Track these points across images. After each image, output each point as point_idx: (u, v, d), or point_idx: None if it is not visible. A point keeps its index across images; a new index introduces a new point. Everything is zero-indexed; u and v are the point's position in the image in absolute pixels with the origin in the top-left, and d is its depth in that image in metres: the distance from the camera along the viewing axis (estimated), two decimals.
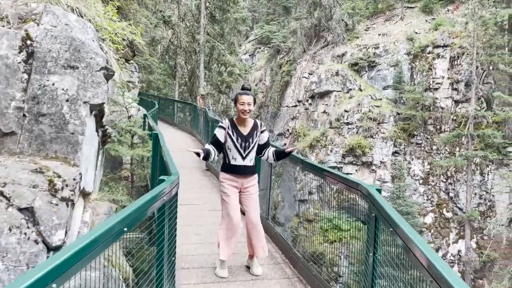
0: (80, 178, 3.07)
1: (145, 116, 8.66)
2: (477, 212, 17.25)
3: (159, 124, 16.86)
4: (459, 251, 17.60)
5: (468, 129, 17.74)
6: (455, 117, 19.60)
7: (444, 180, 19.27)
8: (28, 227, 2.60)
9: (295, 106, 24.77)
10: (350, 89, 22.31)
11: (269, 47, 30.29)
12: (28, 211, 2.64)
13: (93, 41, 3.54)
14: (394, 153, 20.42)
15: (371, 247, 2.34)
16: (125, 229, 1.89)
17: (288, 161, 4.47)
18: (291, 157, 4.29)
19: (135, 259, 3.04)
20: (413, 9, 24.81)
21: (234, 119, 3.74)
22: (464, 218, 17.32)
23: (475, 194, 17.91)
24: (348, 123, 21.39)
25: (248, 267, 3.87)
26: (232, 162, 3.64)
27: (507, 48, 18.67)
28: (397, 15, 24.85)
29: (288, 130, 24.81)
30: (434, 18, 22.93)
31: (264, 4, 35.65)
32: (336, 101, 22.52)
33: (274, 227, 4.82)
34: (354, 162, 20.46)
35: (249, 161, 3.66)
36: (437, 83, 20.45)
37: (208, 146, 3.65)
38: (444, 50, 20.73)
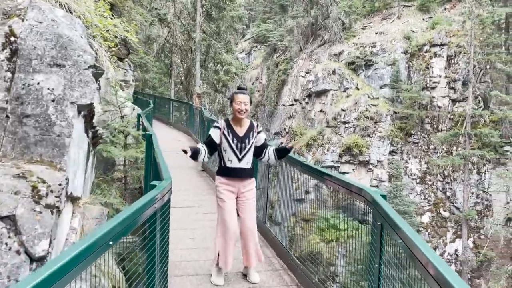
0: (67, 183, 2.90)
1: (139, 115, 8.47)
2: (474, 211, 17.22)
3: (154, 123, 16.67)
4: (456, 250, 17.58)
5: (465, 128, 17.70)
6: (452, 116, 19.56)
7: (441, 179, 19.23)
8: (9, 237, 2.43)
9: (292, 105, 24.64)
10: (347, 88, 22.21)
11: (265, 45, 30.12)
12: (10, 220, 2.47)
13: (82, 37, 3.36)
14: (391, 152, 20.36)
15: (376, 258, 2.19)
16: (111, 242, 1.73)
17: (287, 163, 4.32)
18: (291, 159, 4.14)
19: (127, 264, 2.88)
20: (410, 7, 24.74)
21: (229, 119, 3.60)
22: (461, 217, 17.29)
23: (472, 193, 17.88)
24: (345, 122, 21.29)
25: (244, 275, 3.72)
26: (228, 164, 3.48)
27: (504, 47, 18.63)
28: (394, 14, 24.77)
29: (284, 129, 24.68)
30: (431, 17, 22.87)
31: (260, 3, 35.46)
32: (333, 100, 22.42)
33: (271, 229, 4.67)
34: (351, 161, 20.37)
35: (246, 163, 3.50)
36: (434, 82, 20.40)
37: (200, 146, 3.50)
38: (441, 49, 20.68)
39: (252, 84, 29.82)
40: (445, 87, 20.17)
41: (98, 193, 5.37)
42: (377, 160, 20.12)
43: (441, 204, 18.93)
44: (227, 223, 3.44)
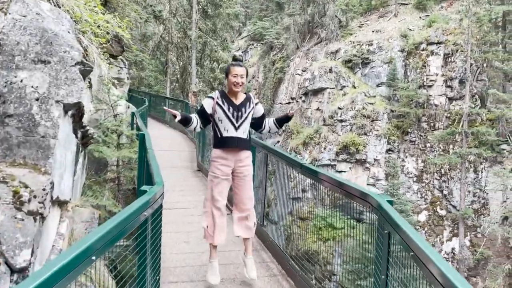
0: (52, 187, 2.73)
1: (133, 114, 8.27)
2: (470, 210, 17.20)
3: (150, 122, 16.45)
4: (453, 249, 17.56)
5: (462, 126, 17.65)
6: (449, 115, 19.51)
7: (438, 178, 19.20)
8: None
9: (289, 103, 24.50)
10: (344, 86, 22.09)
11: (262, 43, 29.92)
12: None
13: (69, 32, 3.17)
14: (388, 150, 20.28)
15: (383, 269, 2.04)
16: (93, 257, 1.56)
17: (286, 164, 4.17)
18: (290, 161, 3.99)
19: (120, 269, 2.72)
20: (407, 5, 24.66)
21: (225, 91, 3.44)
22: (458, 216, 17.27)
23: (469, 192, 17.86)
24: (341, 121, 21.18)
25: (242, 281, 3.58)
26: (224, 134, 3.31)
27: (501, 45, 18.58)
28: (390, 12, 24.67)
29: None
30: (428, 15, 22.79)
31: (257, 0, 35.21)
32: (329, 98, 22.29)
33: (269, 232, 4.52)
34: (347, 160, 20.27)
35: (242, 132, 3.34)
36: (431, 80, 20.33)
37: (193, 115, 3.36)
38: (438, 47, 20.61)
39: (249, 82, 29.64)
40: (442, 86, 20.11)
41: (90, 195, 5.19)
42: (374, 159, 20.05)
43: (438, 202, 18.90)
44: (218, 200, 3.30)
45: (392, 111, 20.59)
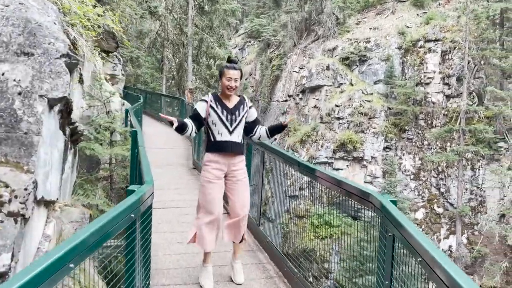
0: (35, 187, 2.57)
1: (127, 111, 8.10)
2: (468, 207, 17.18)
3: (146, 119, 16.25)
4: (450, 246, 17.55)
5: (459, 124, 17.61)
6: (446, 112, 19.46)
7: (435, 176, 19.16)
8: None
9: (286, 100, 24.37)
10: (341, 84, 21.98)
11: (259, 41, 29.73)
12: None
13: (55, 24, 3.01)
14: (385, 148, 20.22)
15: (386, 274, 1.92)
16: (72, 265, 1.42)
17: (283, 162, 4.04)
18: (287, 159, 3.86)
19: (110, 271, 2.58)
20: (404, 2, 24.55)
21: (218, 94, 3.34)
22: (455, 214, 17.24)
23: (466, 189, 17.84)
24: (339, 118, 21.09)
25: (239, 284, 3.46)
26: (218, 138, 3.20)
27: (498, 43, 18.53)
28: (388, 9, 24.56)
29: None
30: (426, 12, 22.71)
31: None
32: (327, 95, 22.18)
33: (265, 232, 4.39)
34: (345, 158, 20.19)
35: (237, 136, 3.24)
36: (428, 78, 20.26)
37: (187, 120, 3.23)
38: (436, 44, 20.54)
39: (246, 79, 29.45)
40: (440, 83, 20.05)
41: (81, 194, 5.04)
42: (371, 156, 19.98)
43: (435, 200, 18.87)
44: (211, 205, 3.16)
45: (389, 108, 20.52)
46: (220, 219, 3.23)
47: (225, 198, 3.40)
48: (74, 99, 5.18)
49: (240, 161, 3.30)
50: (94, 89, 6.76)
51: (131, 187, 2.18)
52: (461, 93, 18.33)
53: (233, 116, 3.22)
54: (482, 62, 18.84)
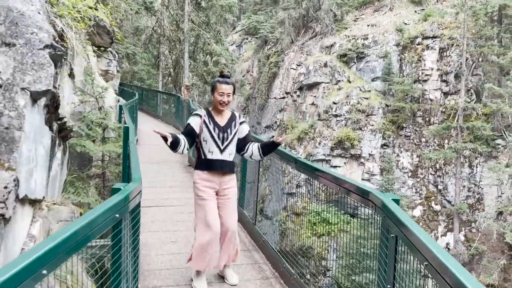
0: (16, 185, 2.43)
1: (120, 107, 7.94)
2: (465, 205, 17.15)
3: (142, 116, 16.06)
4: (447, 244, 17.53)
5: (457, 121, 17.54)
6: (444, 109, 19.40)
7: (433, 173, 19.12)
8: None
9: (283, 98, 24.23)
10: (339, 81, 21.87)
11: (256, 37, 29.55)
12: None
13: (39, 13, 2.86)
14: (383, 145, 20.15)
15: (389, 278, 1.80)
16: (44, 271, 1.29)
17: (280, 159, 3.91)
18: (285, 156, 3.74)
19: (95, 267, 2.45)
20: None
21: (210, 109, 3.23)
22: (453, 211, 17.21)
23: (464, 186, 17.80)
24: (336, 115, 20.99)
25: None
26: (209, 156, 3.11)
27: (496, 40, 18.45)
28: (386, 6, 24.42)
29: (276, 122, 24.29)
30: (423, 9, 22.61)
31: None
32: (324, 93, 22.06)
33: (261, 231, 4.27)
34: (342, 155, 20.11)
35: (228, 155, 3.15)
36: (426, 75, 20.18)
37: (179, 136, 3.10)
38: (434, 41, 20.44)
39: (243, 76, 29.28)
40: (437, 80, 19.97)
41: (71, 192, 4.89)
42: (369, 154, 19.91)
43: (433, 197, 18.83)
44: (210, 223, 3.06)
45: (387, 105, 20.43)
46: (219, 236, 3.13)
47: None
48: (64, 94, 5.02)
49: (230, 179, 3.24)
50: (87, 85, 6.60)
51: (116, 185, 2.05)
52: (459, 90, 18.26)
53: (225, 134, 3.13)
54: (480, 59, 18.76)
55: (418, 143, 19.83)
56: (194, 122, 3.13)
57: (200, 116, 3.14)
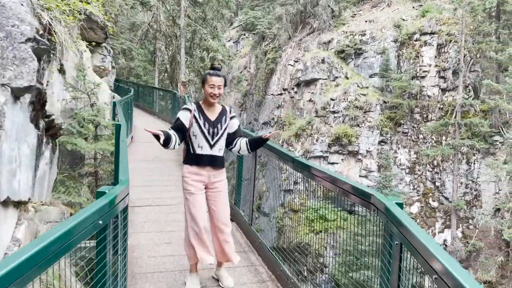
0: None
1: (114, 104, 7.78)
2: (463, 201, 17.14)
3: (138, 112, 15.87)
4: (445, 240, 17.53)
5: (455, 117, 17.48)
6: (441, 106, 19.33)
7: (431, 170, 19.08)
8: None
9: (281, 94, 24.08)
10: (336, 77, 21.74)
11: (253, 33, 29.32)
12: None
13: (22, 5, 2.70)
14: (381, 142, 20.09)
15: (392, 287, 1.68)
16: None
17: (277, 159, 3.79)
18: (282, 155, 3.61)
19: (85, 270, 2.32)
20: None
21: (200, 102, 3.16)
22: (450, 208, 17.19)
23: (461, 183, 17.78)
24: (334, 112, 20.88)
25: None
26: (198, 151, 3.05)
27: (494, 36, 18.35)
28: (384, 1, 24.27)
29: (273, 118, 24.15)
30: (421, 5, 22.47)
31: None
32: (322, 89, 21.93)
33: (258, 233, 4.15)
34: (340, 152, 20.04)
35: (218, 150, 3.10)
36: (424, 71, 20.09)
37: (170, 131, 3.01)
38: (431, 37, 20.33)
39: (241, 73, 29.07)
40: (435, 76, 19.89)
41: (62, 191, 4.75)
42: (366, 150, 19.84)
43: (430, 194, 18.81)
44: (196, 218, 2.99)
45: (385, 102, 20.34)
46: (207, 229, 3.07)
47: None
48: (54, 90, 4.86)
49: (220, 173, 3.18)
50: (79, 81, 6.43)
51: (101, 188, 1.92)
52: (457, 86, 18.18)
53: (215, 129, 3.08)
54: (478, 55, 18.68)
55: (415, 139, 19.78)
56: (184, 117, 3.05)
57: (190, 111, 3.07)
